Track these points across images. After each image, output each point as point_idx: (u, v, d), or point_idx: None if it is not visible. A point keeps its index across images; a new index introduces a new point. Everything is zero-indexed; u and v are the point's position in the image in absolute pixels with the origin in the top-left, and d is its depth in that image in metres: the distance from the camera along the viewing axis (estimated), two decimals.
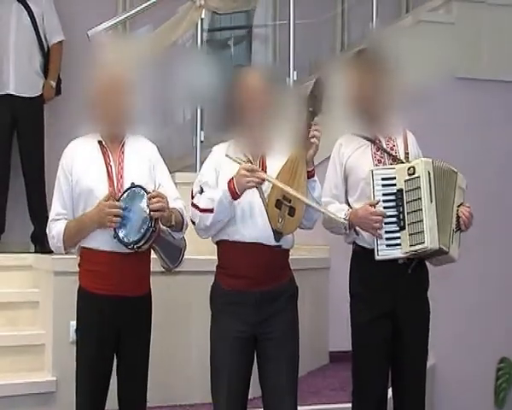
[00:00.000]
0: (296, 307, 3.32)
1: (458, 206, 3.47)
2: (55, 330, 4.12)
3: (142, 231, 3.18)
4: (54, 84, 5.54)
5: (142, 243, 3.20)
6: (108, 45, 4.96)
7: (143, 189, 3.23)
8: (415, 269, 3.44)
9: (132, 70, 3.60)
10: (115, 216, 3.18)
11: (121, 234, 3.20)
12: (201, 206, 3.19)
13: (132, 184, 3.25)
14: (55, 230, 3.31)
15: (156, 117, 6.15)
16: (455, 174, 3.48)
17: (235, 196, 3.15)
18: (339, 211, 3.44)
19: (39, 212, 5.30)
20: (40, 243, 5.20)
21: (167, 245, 3.37)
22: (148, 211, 3.18)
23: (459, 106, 5.85)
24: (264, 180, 3.16)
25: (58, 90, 5.62)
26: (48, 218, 3.38)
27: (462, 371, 5.62)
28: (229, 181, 3.15)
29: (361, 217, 3.39)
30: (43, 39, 5.55)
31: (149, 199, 3.17)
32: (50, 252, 3.70)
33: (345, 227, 3.42)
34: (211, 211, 3.15)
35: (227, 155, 3.20)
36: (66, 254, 3.43)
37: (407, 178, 3.38)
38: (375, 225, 3.36)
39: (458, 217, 3.46)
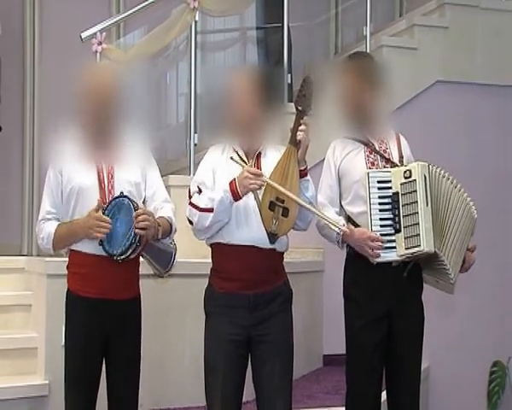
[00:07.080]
0: (291, 310, 3.30)
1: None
2: (48, 333, 4.09)
3: (127, 244, 3.17)
4: None
5: (125, 256, 3.19)
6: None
7: (131, 201, 3.20)
8: (409, 272, 3.44)
9: (125, 73, 3.58)
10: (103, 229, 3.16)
11: (105, 243, 3.19)
12: (201, 205, 3.17)
13: (121, 193, 3.23)
14: (45, 231, 3.30)
15: (150, 120, 6.15)
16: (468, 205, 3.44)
17: (236, 196, 3.14)
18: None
19: None
20: None
21: (157, 252, 3.36)
22: (133, 227, 3.15)
23: (452, 110, 5.85)
24: (266, 184, 3.15)
25: None
26: None
27: (456, 374, 5.62)
28: (231, 182, 3.15)
29: (358, 239, 3.37)
30: None
31: (135, 217, 3.15)
32: None
33: (337, 241, 3.42)
34: (211, 210, 3.15)
35: (232, 158, 3.20)
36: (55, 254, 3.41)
37: (403, 181, 3.38)
38: (372, 252, 3.35)
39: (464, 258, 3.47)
